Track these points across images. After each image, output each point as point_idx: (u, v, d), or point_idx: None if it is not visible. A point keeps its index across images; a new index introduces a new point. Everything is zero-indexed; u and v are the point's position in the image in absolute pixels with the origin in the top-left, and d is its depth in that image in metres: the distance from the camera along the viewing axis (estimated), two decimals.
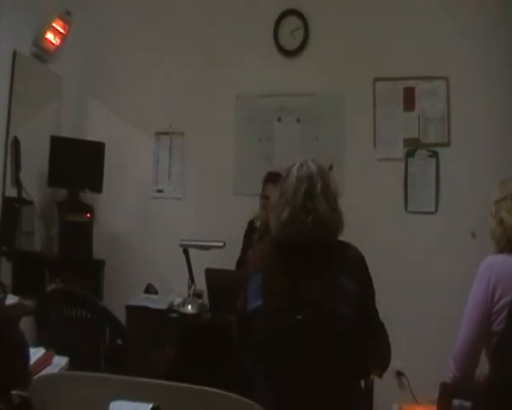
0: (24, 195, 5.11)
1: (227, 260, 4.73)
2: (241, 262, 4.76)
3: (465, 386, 2.67)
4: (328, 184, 2.69)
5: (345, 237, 2.70)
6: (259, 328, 2.61)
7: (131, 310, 4.67)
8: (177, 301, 4.69)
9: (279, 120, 5.81)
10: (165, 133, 6.09)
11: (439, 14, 5.36)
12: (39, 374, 2.26)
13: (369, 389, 3.32)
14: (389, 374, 3.71)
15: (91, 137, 5.89)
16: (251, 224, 5.25)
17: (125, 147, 6.06)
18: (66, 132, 5.87)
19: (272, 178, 5.10)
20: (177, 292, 4.88)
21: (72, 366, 2.62)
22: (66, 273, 4.98)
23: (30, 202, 5.22)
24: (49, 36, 5.46)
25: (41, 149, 5.48)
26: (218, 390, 1.48)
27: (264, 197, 5.02)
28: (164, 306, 4.69)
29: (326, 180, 2.69)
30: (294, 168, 2.70)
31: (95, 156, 5.73)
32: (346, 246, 2.70)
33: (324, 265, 2.60)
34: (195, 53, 5.92)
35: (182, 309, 4.48)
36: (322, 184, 2.66)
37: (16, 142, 5.12)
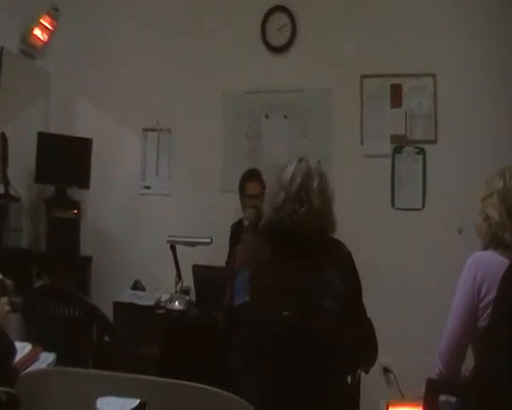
0: (11, 191, 5.10)
1: (214, 256, 4.72)
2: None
3: (451, 382, 2.68)
4: (324, 184, 2.73)
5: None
6: (246, 324, 2.62)
7: (119, 306, 4.69)
8: (165, 297, 4.71)
9: (266, 116, 5.81)
10: (153, 130, 6.08)
11: (426, 11, 5.38)
12: (27, 370, 2.25)
13: (356, 385, 3.33)
14: (376, 370, 3.74)
15: (79, 133, 5.88)
16: (235, 227, 5.24)
17: (113, 143, 6.04)
18: (53, 129, 5.84)
19: (251, 174, 5.11)
20: (164, 288, 4.89)
21: (59, 362, 2.62)
22: (54, 270, 4.98)
23: (17, 199, 5.20)
24: (37, 32, 5.44)
25: (28, 145, 5.46)
26: (206, 386, 1.48)
27: (249, 197, 5.01)
28: (151, 302, 4.70)
29: (323, 180, 2.73)
30: (294, 161, 2.76)
31: (82, 153, 5.71)
32: (334, 242, 2.72)
33: (312, 261, 2.61)
34: (183, 50, 5.91)
35: (169, 305, 4.50)
36: (319, 181, 2.70)
37: (4, 138, 5.11)
